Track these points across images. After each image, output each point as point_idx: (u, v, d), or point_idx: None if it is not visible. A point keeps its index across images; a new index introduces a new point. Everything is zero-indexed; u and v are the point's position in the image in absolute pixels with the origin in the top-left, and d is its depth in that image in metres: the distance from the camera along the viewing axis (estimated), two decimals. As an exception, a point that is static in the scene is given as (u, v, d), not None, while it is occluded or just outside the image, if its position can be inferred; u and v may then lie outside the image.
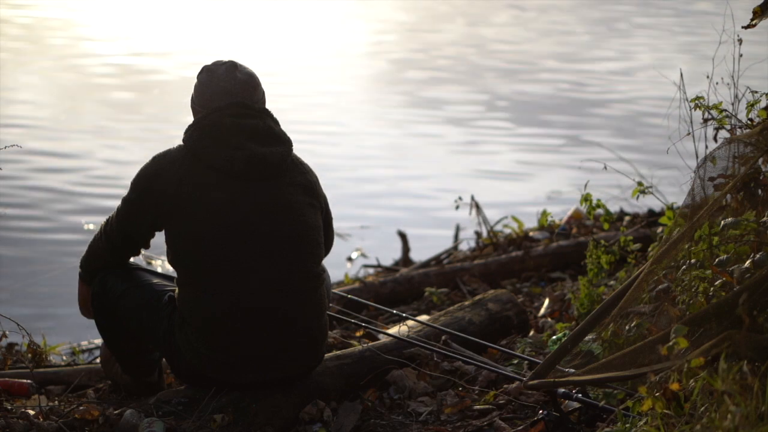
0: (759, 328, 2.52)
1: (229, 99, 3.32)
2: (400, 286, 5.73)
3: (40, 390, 3.71)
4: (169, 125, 10.78)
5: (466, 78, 14.52)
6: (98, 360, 4.33)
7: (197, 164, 3.28)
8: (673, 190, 5.18)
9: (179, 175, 3.27)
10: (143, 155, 3.58)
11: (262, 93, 3.42)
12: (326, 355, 3.62)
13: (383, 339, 3.98)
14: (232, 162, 3.25)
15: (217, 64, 3.39)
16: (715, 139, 3.54)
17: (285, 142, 3.37)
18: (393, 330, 4.04)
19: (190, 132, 3.34)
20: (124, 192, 3.41)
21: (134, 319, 3.45)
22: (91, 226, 7.70)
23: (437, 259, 6.55)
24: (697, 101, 3.57)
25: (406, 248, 7.14)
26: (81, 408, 3.28)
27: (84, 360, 5.14)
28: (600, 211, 5.07)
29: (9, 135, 9.37)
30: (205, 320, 3.27)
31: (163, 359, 3.67)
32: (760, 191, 3.05)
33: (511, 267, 5.90)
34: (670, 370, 2.54)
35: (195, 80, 3.42)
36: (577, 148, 10.60)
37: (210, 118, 3.31)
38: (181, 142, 3.35)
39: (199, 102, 3.37)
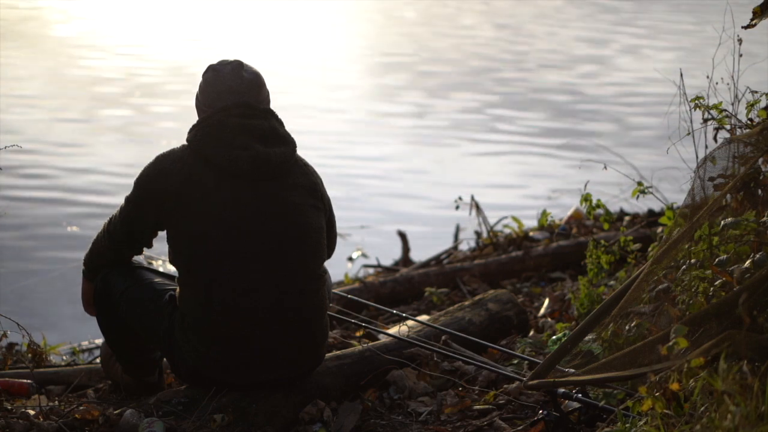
0: (759, 328, 2.52)
1: (235, 98, 3.31)
2: (400, 286, 5.74)
3: (40, 390, 3.70)
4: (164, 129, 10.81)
5: (466, 79, 14.51)
6: (98, 360, 4.33)
7: (201, 164, 3.27)
8: (673, 190, 5.19)
9: (182, 175, 3.26)
10: (140, 157, 3.58)
11: (267, 93, 3.41)
12: (326, 355, 3.62)
13: (383, 339, 3.98)
14: (237, 162, 3.24)
15: (223, 64, 3.38)
16: (715, 139, 3.54)
17: (289, 143, 3.37)
18: (393, 330, 4.03)
19: (194, 131, 3.33)
20: (126, 191, 3.41)
21: (135, 318, 3.45)
22: (75, 228, 7.71)
23: (437, 259, 6.55)
24: (697, 101, 3.56)
25: (406, 248, 7.14)
26: (81, 408, 3.27)
27: (84, 360, 5.14)
28: (600, 211, 5.07)
29: (7, 135, 9.38)
30: (206, 320, 3.27)
31: (164, 359, 3.67)
32: (760, 191, 3.05)
33: (511, 267, 5.91)
34: (670, 370, 2.54)
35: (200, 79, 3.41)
36: (577, 148, 10.60)
37: (215, 117, 3.30)
38: (185, 142, 3.34)
39: (204, 101, 3.36)
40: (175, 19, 19.10)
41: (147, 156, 3.40)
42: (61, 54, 14.50)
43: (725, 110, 3.54)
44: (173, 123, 10.95)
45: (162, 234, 3.40)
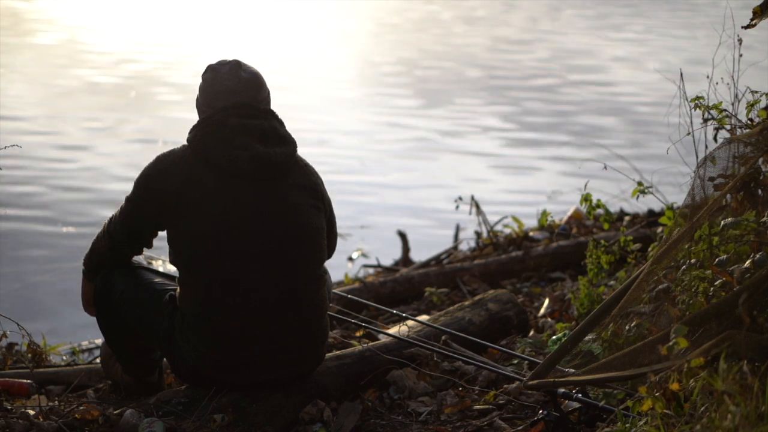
0: (759, 328, 2.52)
1: (233, 98, 3.31)
2: (400, 286, 5.73)
3: (40, 390, 3.71)
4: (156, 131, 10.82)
5: (466, 79, 14.52)
6: (98, 360, 4.33)
7: (201, 164, 3.27)
8: (673, 190, 5.18)
9: (182, 175, 3.26)
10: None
11: (268, 93, 3.41)
12: (326, 355, 3.62)
13: (383, 339, 3.98)
14: (237, 162, 3.24)
15: (222, 63, 3.38)
16: (715, 139, 3.54)
17: (290, 143, 3.37)
18: (393, 330, 4.03)
19: (194, 132, 3.33)
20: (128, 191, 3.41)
21: (135, 318, 3.45)
22: (71, 229, 7.71)
23: (437, 259, 6.55)
24: (697, 101, 3.56)
25: (406, 248, 7.14)
26: (81, 408, 3.27)
27: (84, 360, 5.14)
28: (600, 211, 5.06)
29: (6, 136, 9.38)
30: (206, 320, 3.27)
31: (164, 359, 3.67)
32: (760, 191, 3.05)
33: (511, 267, 5.90)
34: (670, 370, 2.54)
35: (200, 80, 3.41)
36: (577, 148, 10.60)
37: (215, 117, 3.30)
38: (185, 142, 3.34)
39: (203, 101, 3.36)
40: (171, 22, 19.10)
41: (142, 161, 3.41)
42: (48, 62, 14.49)
43: (725, 110, 3.54)
44: (172, 125, 10.95)
45: (162, 234, 3.40)
